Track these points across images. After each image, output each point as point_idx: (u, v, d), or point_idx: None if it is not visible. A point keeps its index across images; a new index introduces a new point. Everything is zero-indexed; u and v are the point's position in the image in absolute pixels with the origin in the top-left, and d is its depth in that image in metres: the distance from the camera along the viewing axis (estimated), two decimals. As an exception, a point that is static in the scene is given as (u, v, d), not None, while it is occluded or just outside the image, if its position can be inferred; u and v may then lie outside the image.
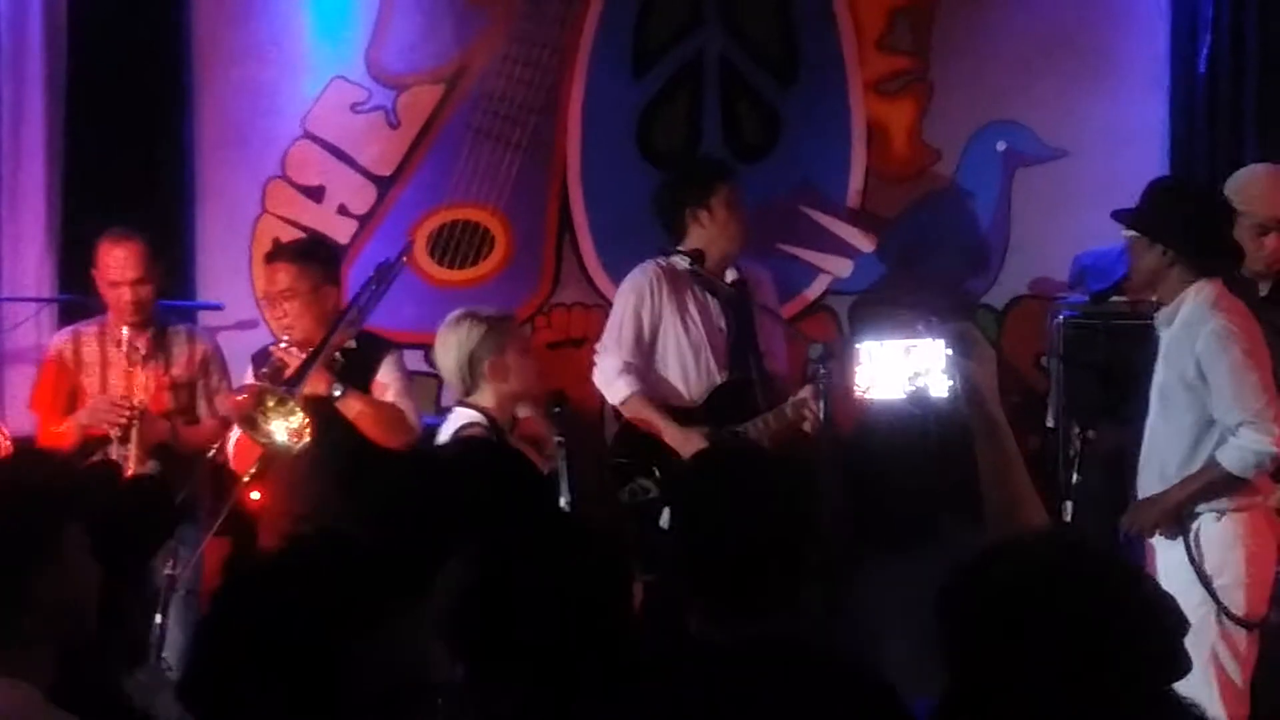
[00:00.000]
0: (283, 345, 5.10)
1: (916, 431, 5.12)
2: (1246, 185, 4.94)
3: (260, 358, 5.35)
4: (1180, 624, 2.14)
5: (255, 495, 5.16)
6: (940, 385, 4.81)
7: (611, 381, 5.26)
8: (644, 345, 5.33)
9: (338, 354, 5.11)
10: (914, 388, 5.02)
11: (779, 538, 2.60)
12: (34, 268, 5.97)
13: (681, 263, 5.30)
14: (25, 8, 5.94)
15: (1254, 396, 4.30)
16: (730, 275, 5.36)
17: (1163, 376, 4.50)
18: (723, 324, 5.37)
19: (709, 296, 5.36)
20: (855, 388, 5.08)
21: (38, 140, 6.00)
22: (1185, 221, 4.49)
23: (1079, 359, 5.36)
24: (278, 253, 5.47)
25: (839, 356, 5.19)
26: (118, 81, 5.98)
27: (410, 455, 4.58)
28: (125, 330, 5.43)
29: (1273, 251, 4.82)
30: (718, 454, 3.72)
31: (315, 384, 4.94)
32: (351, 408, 4.98)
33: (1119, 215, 4.70)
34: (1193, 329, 4.41)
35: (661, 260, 5.38)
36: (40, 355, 5.87)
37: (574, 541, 2.45)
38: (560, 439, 4.37)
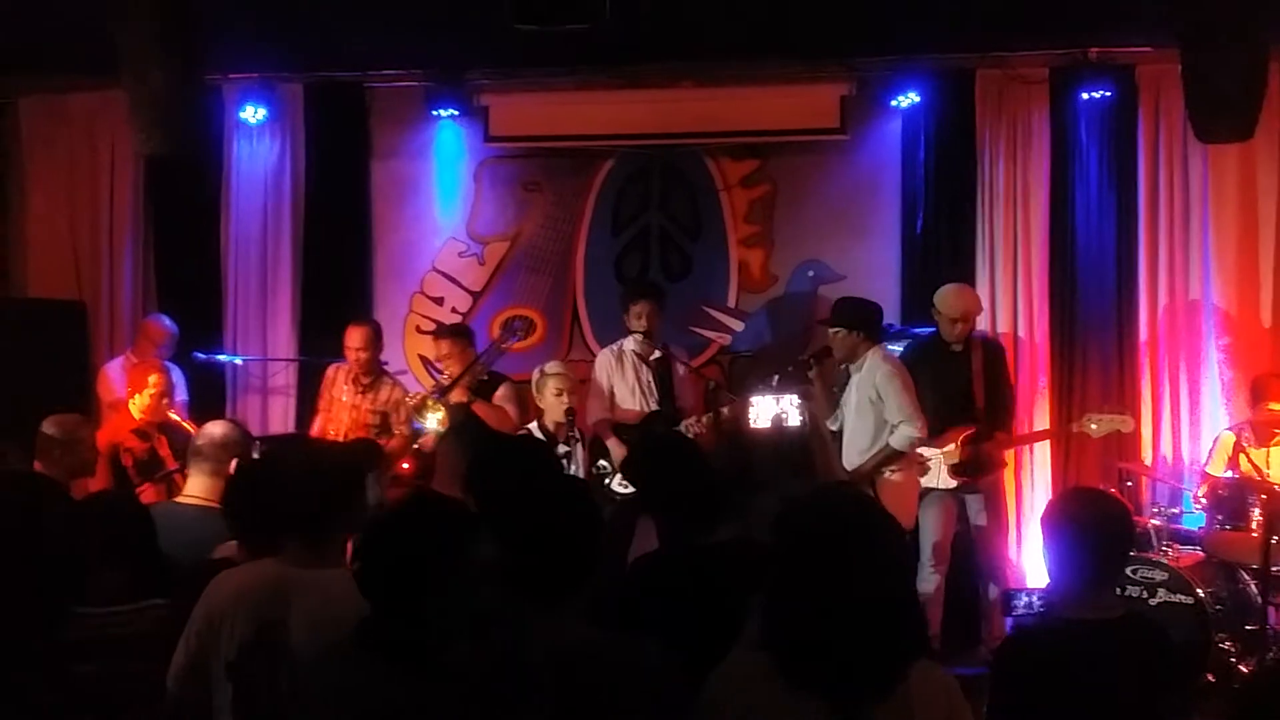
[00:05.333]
0: (444, 375, 6.25)
1: (780, 441, 4.92)
2: (943, 296, 6.19)
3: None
4: (900, 534, 2.36)
5: (405, 465, 6.16)
6: (795, 418, 5.34)
7: (590, 416, 6.18)
8: (604, 394, 6.26)
9: (474, 380, 6.09)
10: (780, 420, 5.43)
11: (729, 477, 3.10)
12: (284, 338, 7.34)
13: (630, 344, 6.22)
14: (281, 195, 7.38)
15: (908, 407, 5.51)
16: (656, 353, 6.14)
17: (855, 398, 5.64)
18: (651, 379, 6.19)
19: (643, 365, 6.21)
20: (750, 420, 5.61)
21: (286, 264, 7.33)
22: (863, 318, 5.69)
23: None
24: (440, 331, 6.55)
25: (733, 398, 6.04)
26: (331, 235, 7.32)
27: (492, 440, 4.58)
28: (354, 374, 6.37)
29: (960, 332, 6.10)
30: (657, 439, 4.27)
31: (458, 395, 6.00)
32: (480, 408, 5.95)
33: (825, 322, 5.73)
34: (872, 372, 5.55)
35: (616, 345, 6.27)
36: (287, 392, 7.24)
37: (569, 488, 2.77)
38: (574, 435, 5.69)
